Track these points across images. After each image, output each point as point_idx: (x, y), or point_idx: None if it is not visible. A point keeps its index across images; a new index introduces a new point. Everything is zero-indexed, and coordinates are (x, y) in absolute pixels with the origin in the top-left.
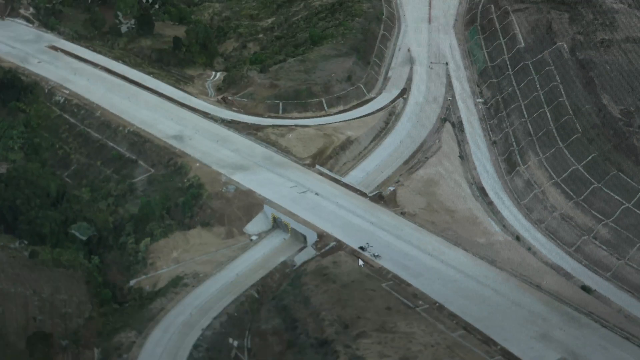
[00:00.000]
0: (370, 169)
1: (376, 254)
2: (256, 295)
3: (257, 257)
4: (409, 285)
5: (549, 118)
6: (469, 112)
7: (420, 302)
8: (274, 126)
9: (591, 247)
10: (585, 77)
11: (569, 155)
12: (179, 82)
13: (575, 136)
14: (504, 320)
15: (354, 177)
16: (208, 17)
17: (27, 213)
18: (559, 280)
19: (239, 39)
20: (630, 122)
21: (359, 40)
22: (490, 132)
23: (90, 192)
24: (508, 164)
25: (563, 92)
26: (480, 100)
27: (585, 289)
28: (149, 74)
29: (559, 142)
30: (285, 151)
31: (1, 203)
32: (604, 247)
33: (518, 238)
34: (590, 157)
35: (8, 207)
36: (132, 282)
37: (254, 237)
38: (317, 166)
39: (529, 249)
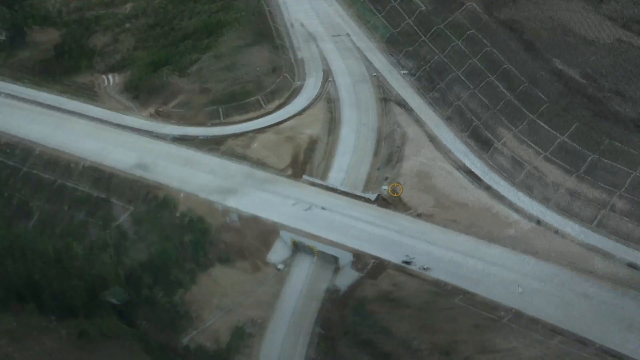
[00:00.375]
0: (345, 167)
1: (425, 267)
2: (322, 331)
3: (299, 288)
4: (474, 295)
5: (501, 87)
6: (401, 87)
7: (502, 313)
8: (232, 137)
9: (615, 221)
10: (520, 39)
11: (547, 127)
12: (89, 95)
13: (544, 106)
14: (585, 315)
15: (335, 178)
16: (55, 10)
17: (50, 287)
18: (604, 262)
19: (106, 32)
20: (600, 86)
21: (255, 23)
22: (437, 107)
23: (73, 242)
24: (477, 141)
25: (503, 58)
26: (405, 71)
27: (633, 265)
28: (59, 93)
29: (527, 113)
30: (261, 164)
31: (17, 281)
32: (627, 219)
33: (539, 222)
34: (573, 127)
35: (25, 283)
36: (185, 340)
37: (280, 267)
38: (304, 176)
39: (556, 232)
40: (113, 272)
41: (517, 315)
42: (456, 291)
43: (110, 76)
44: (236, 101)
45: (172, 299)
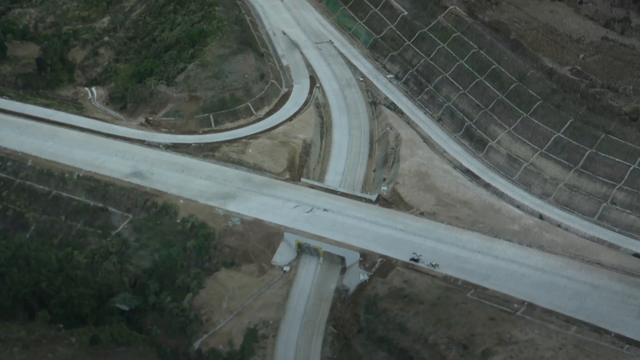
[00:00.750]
0: (341, 170)
1: (434, 263)
2: (335, 330)
3: (307, 288)
4: (485, 289)
5: (492, 87)
6: (389, 91)
7: (515, 305)
8: (226, 144)
9: (616, 213)
10: (506, 40)
11: (541, 124)
12: (75, 107)
13: (537, 103)
14: (597, 306)
15: (333, 181)
16: (32, 25)
17: (57, 294)
18: (610, 253)
19: (85, 45)
20: (592, 82)
21: (237, 32)
22: (427, 109)
23: (74, 252)
24: (472, 140)
25: (491, 59)
26: (391, 75)
27: (639, 256)
28: (45, 106)
29: (520, 111)
30: (258, 169)
31: (23, 290)
32: (629, 211)
33: (541, 216)
34: (568, 123)
35: (32, 292)
36: (196, 344)
37: (286, 268)
38: (302, 179)
39: (559, 225)
40: (118, 280)
41: (531, 307)
42: (467, 286)
43: (93, 89)
44: (226, 108)
45: (180, 304)
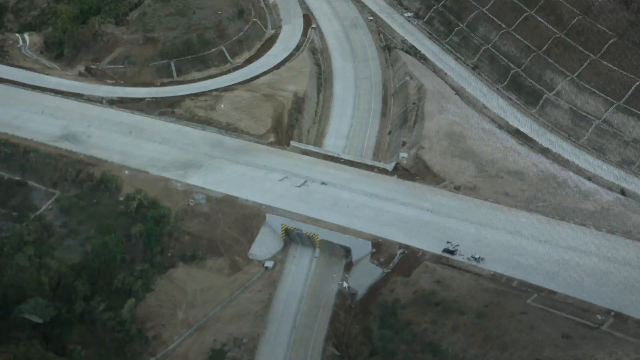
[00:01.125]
0: (344, 132)
1: (477, 256)
2: (337, 352)
3: (298, 293)
4: (552, 293)
5: (546, 23)
6: (407, 32)
7: (598, 317)
8: (190, 98)
9: None
10: None
11: (616, 68)
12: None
13: (610, 41)
14: None
15: (334, 146)
16: None
17: None
18: None
19: None
20: None
21: None
22: (459, 55)
23: None
24: (520, 92)
25: None
26: (410, 14)
27: None
28: None
29: (587, 52)
30: (233, 130)
31: None
32: None
33: (623, 192)
34: None
35: None
36: None
37: (268, 264)
38: (292, 143)
39: None
40: (34, 279)
41: (620, 319)
42: (526, 288)
43: (25, 35)
44: (192, 53)
45: (118, 313)
